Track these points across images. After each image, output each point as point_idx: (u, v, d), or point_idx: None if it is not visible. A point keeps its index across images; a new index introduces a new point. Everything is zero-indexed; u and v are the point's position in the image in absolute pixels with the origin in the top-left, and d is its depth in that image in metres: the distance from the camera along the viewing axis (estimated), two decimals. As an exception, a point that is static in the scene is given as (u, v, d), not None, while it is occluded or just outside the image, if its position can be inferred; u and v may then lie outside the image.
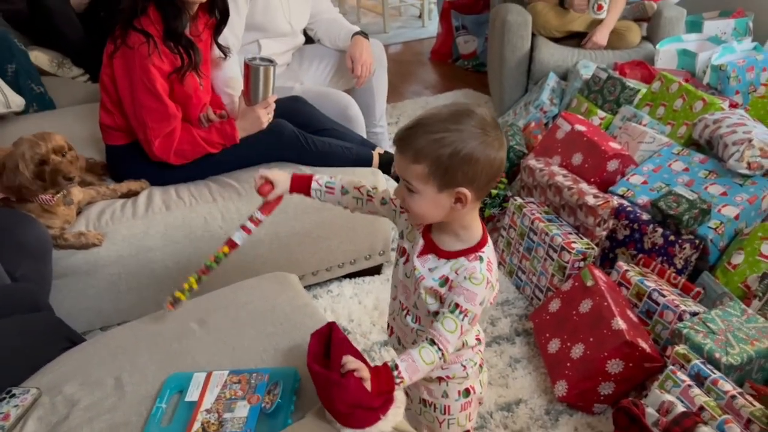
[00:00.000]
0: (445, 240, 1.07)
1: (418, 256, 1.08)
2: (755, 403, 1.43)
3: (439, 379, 1.19)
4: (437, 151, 0.94)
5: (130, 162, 1.89)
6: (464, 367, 1.18)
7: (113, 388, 1.17)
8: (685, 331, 1.63)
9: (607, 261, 2.05)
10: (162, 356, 1.24)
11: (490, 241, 1.08)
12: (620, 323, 1.63)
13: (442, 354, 1.02)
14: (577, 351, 1.70)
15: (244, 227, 1.22)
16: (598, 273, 1.82)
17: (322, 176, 1.20)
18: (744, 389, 1.51)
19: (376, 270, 2.22)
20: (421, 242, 1.08)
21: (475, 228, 1.07)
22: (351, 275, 2.19)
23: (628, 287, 1.82)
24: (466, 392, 1.21)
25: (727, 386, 1.47)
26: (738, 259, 1.81)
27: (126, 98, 1.74)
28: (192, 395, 1.13)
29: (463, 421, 1.26)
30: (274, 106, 1.92)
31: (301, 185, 1.20)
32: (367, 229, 2.08)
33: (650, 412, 1.46)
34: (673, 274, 1.85)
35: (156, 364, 1.22)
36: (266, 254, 1.92)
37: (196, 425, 1.07)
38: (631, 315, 1.74)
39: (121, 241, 1.74)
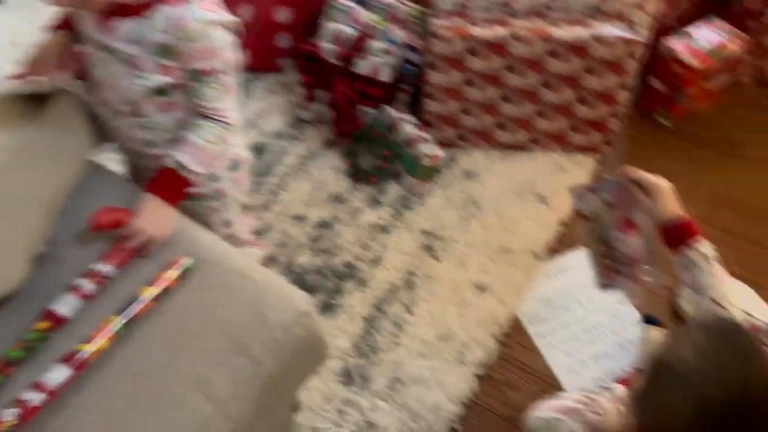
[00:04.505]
0: None
1: (98, 28, 0.75)
2: (409, 4, 1.52)
3: None
4: None
5: None
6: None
7: None
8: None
9: None
10: None
11: None
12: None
13: (225, 123, 0.83)
14: (246, 13, 1.62)
15: (73, 288, 0.72)
16: None
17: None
18: None
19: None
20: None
21: None
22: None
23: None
24: (234, 164, 0.98)
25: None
26: None
27: None
28: None
29: (240, 197, 1.05)
30: None
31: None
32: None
33: (325, 46, 1.49)
34: None
35: None
36: None
37: None
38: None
39: None
